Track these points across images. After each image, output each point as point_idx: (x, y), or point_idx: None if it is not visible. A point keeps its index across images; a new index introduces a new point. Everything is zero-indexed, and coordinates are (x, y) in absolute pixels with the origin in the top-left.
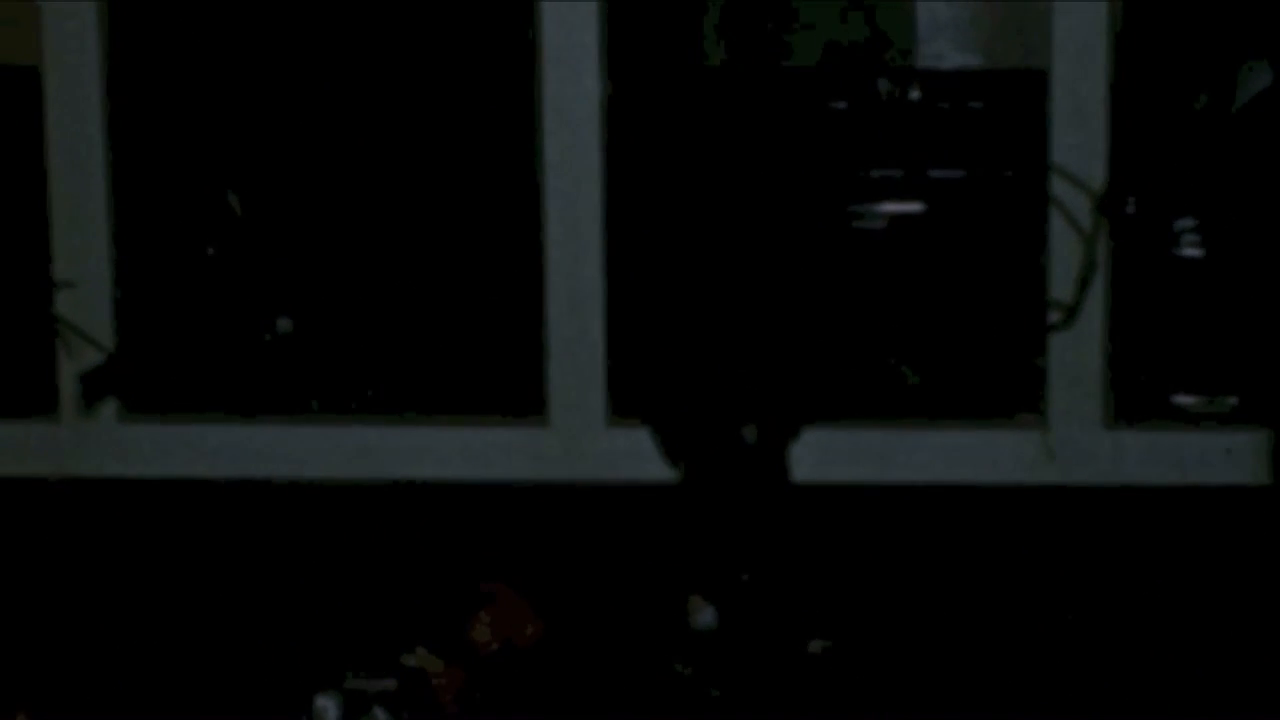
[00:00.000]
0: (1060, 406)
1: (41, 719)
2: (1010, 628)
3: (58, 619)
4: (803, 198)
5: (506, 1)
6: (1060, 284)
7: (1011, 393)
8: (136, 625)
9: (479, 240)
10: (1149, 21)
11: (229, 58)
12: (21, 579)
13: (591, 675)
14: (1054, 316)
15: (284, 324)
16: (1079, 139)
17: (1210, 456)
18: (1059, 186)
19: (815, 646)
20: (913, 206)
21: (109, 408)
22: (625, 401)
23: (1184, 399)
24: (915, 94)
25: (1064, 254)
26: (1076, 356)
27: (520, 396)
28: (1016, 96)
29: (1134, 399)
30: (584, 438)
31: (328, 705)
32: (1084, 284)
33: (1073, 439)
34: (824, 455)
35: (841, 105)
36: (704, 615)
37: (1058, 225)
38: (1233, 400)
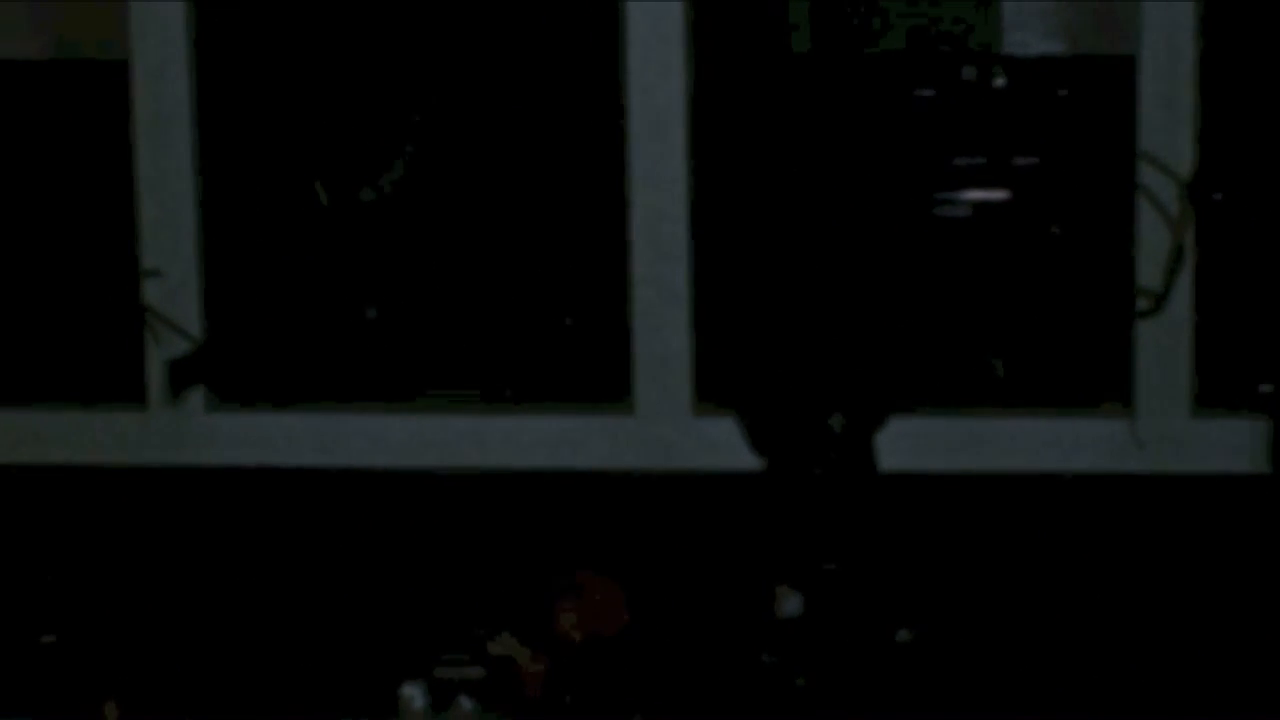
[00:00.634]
0: (1147, 394)
1: (130, 707)
2: (1096, 617)
3: (146, 608)
4: (888, 185)
5: None
6: (1147, 272)
7: (1098, 381)
8: (225, 614)
9: (565, 229)
10: (1237, 5)
11: (316, 45)
12: (109, 568)
13: (677, 665)
14: (1141, 304)
15: (371, 313)
16: (1167, 125)
17: None
18: (1146, 174)
19: (902, 636)
20: (998, 194)
21: (196, 396)
22: (711, 390)
23: (1269, 387)
24: (1000, 81)
25: (1151, 242)
26: (1163, 344)
27: (606, 385)
28: (1103, 83)
29: (1220, 387)
30: (670, 426)
31: (414, 694)
32: (1171, 272)
33: (1159, 427)
34: (910, 444)
35: (927, 93)
36: (790, 604)
37: (1145, 213)
38: None
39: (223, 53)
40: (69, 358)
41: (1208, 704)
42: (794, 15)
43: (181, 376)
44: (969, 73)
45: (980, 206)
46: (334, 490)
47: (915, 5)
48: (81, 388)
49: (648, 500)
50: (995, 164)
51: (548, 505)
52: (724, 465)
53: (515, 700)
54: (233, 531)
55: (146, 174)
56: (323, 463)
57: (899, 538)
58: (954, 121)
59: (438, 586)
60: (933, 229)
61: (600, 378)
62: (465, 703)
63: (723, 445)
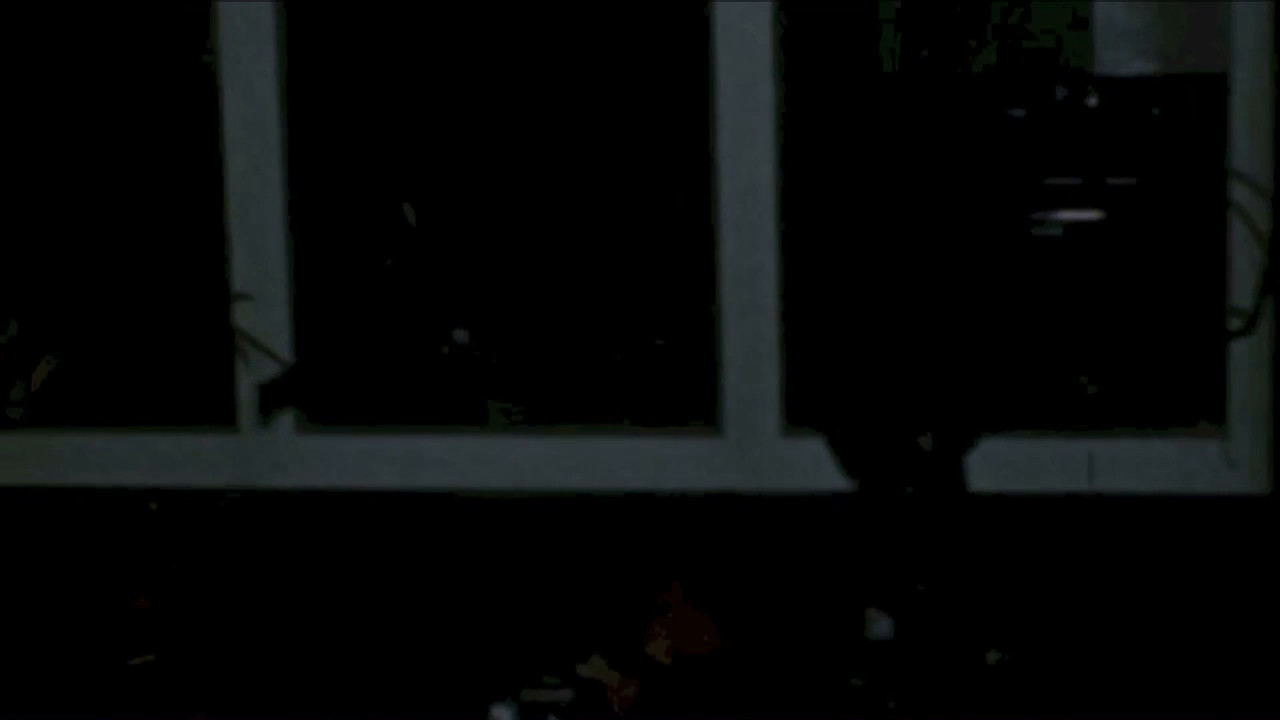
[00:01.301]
0: (1240, 414)
1: None
2: (1189, 637)
3: (238, 628)
4: (980, 205)
5: (681, 11)
6: (1240, 291)
7: (1191, 401)
8: (315, 634)
9: (653, 251)
10: None
11: (404, 69)
12: (200, 589)
13: (767, 686)
14: (1234, 323)
15: (460, 335)
16: (1259, 143)
17: None
18: (1239, 192)
19: (992, 657)
20: (1090, 214)
21: (286, 418)
22: (800, 411)
23: None
24: (1093, 101)
25: (1244, 261)
26: (1257, 363)
27: (695, 407)
28: (1195, 102)
29: None
30: (759, 448)
31: (504, 716)
32: (1264, 291)
33: (1253, 447)
34: (1001, 465)
35: (1019, 113)
36: (880, 626)
37: (1238, 231)
38: None
39: (312, 77)
40: (161, 381)
41: None
42: (888, 34)
43: (272, 399)
44: (1061, 93)
45: (1072, 226)
46: (423, 512)
47: (1007, 26)
48: (173, 410)
49: (737, 522)
50: (1088, 184)
51: (637, 527)
52: (813, 487)
53: None
54: (323, 553)
55: (236, 198)
56: (412, 484)
57: (989, 559)
58: (1046, 141)
59: (527, 608)
60: (1025, 249)
61: (690, 399)
62: None
63: (812, 467)
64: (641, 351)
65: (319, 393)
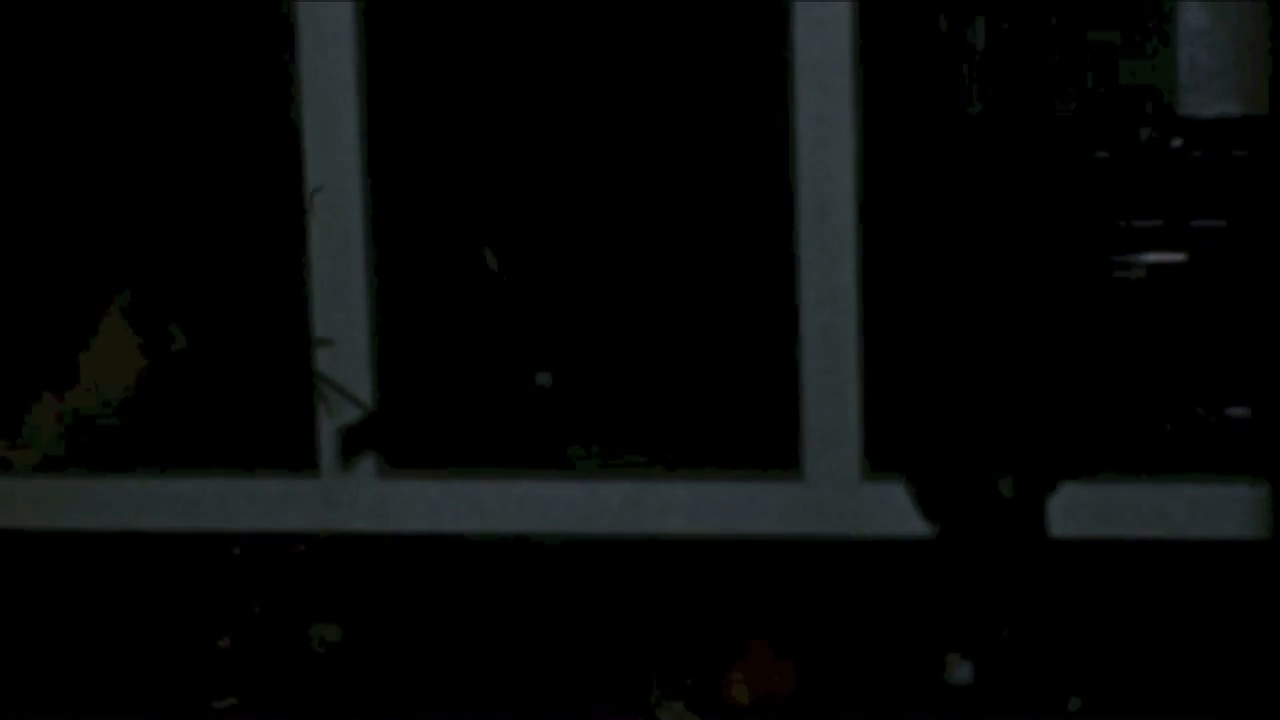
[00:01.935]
0: None
1: None
2: (1271, 685)
3: (318, 672)
4: (1063, 247)
5: (762, 49)
6: None
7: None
8: (395, 678)
9: (734, 294)
10: None
11: (484, 113)
12: (282, 631)
13: None
14: None
15: (543, 378)
16: None
17: None
18: None
19: (1074, 704)
20: (1175, 256)
21: (367, 463)
22: (881, 455)
23: None
24: (1177, 142)
25: None
26: None
27: (775, 451)
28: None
29: None
30: (839, 492)
31: None
32: None
33: None
34: (1083, 510)
35: (1103, 154)
36: (960, 671)
37: None
38: None
39: (393, 121)
40: (242, 425)
41: None
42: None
43: (352, 443)
44: (1146, 134)
45: (1156, 268)
46: (503, 556)
47: (1092, 67)
48: (254, 454)
49: (817, 567)
50: (1172, 226)
51: (717, 572)
52: (893, 531)
53: None
54: (403, 597)
55: (318, 243)
56: (492, 528)
57: (1071, 605)
58: (1130, 183)
59: (607, 653)
60: (1108, 291)
61: (769, 443)
62: None
63: (892, 511)
64: (721, 395)
65: (400, 437)
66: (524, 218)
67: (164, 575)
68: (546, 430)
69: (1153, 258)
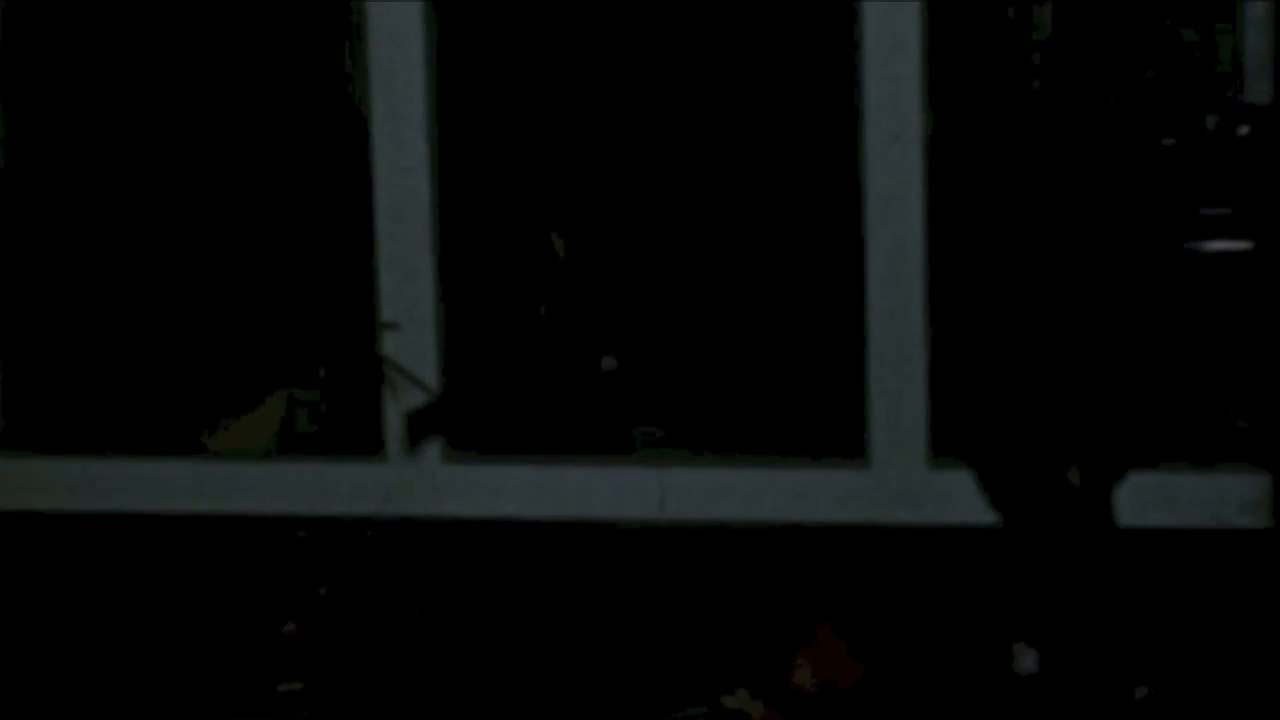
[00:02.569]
0: None
1: None
2: None
3: (383, 653)
4: (1131, 235)
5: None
6: None
7: None
8: (460, 662)
9: (801, 282)
10: None
11: (552, 99)
12: (348, 615)
13: (910, 719)
14: None
15: (608, 362)
16: None
17: None
18: None
19: (1140, 693)
20: (1242, 244)
21: (433, 447)
22: (947, 443)
23: None
24: (1244, 130)
25: None
26: None
27: (841, 438)
28: None
29: None
30: (905, 480)
31: None
32: None
33: None
34: (1150, 498)
35: (1170, 142)
36: (1026, 660)
37: None
38: None
39: (461, 106)
40: (310, 409)
41: None
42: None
43: (418, 428)
44: (1212, 122)
45: (1223, 256)
46: (568, 540)
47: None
48: (322, 439)
49: (882, 554)
50: (1238, 213)
51: (783, 558)
52: (959, 519)
53: None
54: (468, 581)
55: (385, 228)
56: (556, 513)
57: (1138, 594)
58: (1197, 171)
59: (672, 638)
60: (1175, 279)
61: (836, 431)
62: None
63: (958, 499)
64: (788, 382)
65: (465, 421)
66: (591, 204)
67: (232, 558)
68: (611, 415)
69: (1219, 245)
